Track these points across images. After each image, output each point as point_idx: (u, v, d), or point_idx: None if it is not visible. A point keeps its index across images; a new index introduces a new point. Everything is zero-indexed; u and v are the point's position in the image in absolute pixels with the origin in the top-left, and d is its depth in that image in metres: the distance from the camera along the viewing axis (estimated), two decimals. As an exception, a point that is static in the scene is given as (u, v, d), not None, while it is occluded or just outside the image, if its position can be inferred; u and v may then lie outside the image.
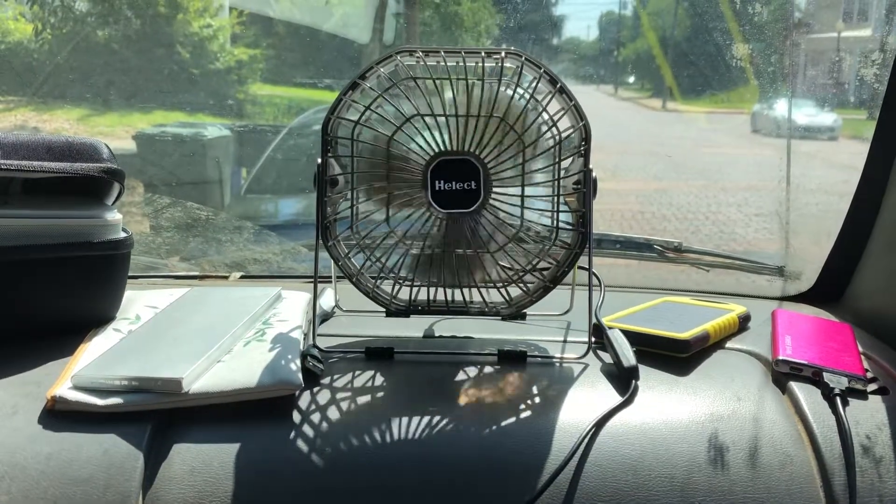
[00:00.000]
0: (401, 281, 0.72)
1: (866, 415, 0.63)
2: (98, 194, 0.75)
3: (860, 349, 0.72)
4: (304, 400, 0.64)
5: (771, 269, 0.96)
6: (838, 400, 0.63)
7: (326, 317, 0.80)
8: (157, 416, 0.61)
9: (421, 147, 0.67)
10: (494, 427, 0.61)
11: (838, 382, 0.64)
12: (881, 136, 0.83)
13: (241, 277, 1.03)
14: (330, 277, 0.78)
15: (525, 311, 0.73)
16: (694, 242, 0.99)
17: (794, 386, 0.66)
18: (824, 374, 0.66)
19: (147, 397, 0.61)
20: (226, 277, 1.03)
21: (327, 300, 0.81)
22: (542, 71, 0.68)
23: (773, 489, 0.57)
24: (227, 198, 2.12)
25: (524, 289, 0.72)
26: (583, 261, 0.71)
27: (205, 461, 0.58)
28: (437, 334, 0.77)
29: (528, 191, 0.68)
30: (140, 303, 0.79)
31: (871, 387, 0.67)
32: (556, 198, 0.69)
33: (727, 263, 0.96)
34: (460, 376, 0.68)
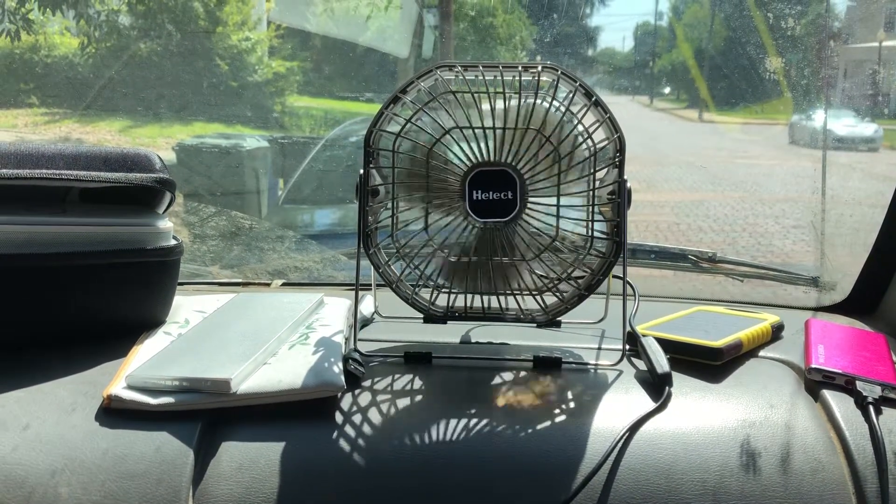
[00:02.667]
0: (439, 288, 0.74)
1: None
2: (150, 203, 0.79)
3: (894, 359, 0.73)
4: (346, 401, 0.66)
5: (805, 280, 0.96)
6: (871, 408, 0.63)
7: (366, 322, 0.83)
8: (206, 415, 0.64)
9: (459, 158, 0.69)
10: (530, 430, 0.63)
11: (871, 391, 0.65)
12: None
13: (283, 285, 1.06)
14: (369, 285, 0.81)
15: (560, 318, 0.75)
16: (730, 254, 0.99)
17: (827, 394, 0.67)
18: (857, 382, 0.66)
19: (197, 397, 0.64)
20: (268, 284, 1.06)
21: (367, 306, 0.84)
22: (577, 84, 0.70)
23: (805, 495, 0.58)
24: (265, 208, 2.16)
25: (559, 296, 0.73)
26: (617, 270, 0.73)
27: (252, 459, 0.61)
28: (473, 340, 0.79)
29: (564, 201, 0.70)
30: (189, 307, 0.83)
31: (905, 396, 0.67)
32: (590, 207, 0.71)
33: (761, 274, 0.97)
34: (496, 381, 0.70)
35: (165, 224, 0.77)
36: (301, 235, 1.28)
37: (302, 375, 0.66)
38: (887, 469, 0.59)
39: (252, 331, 0.74)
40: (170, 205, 0.80)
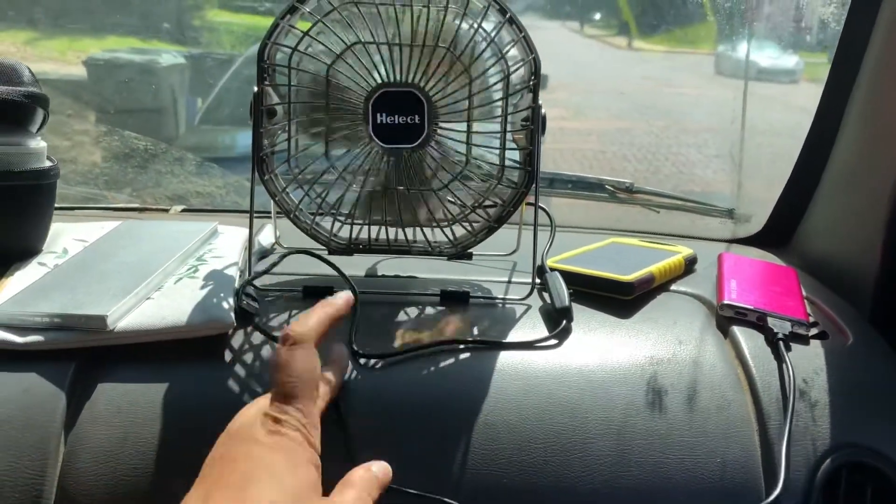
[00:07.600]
0: (341, 219, 0.69)
1: (805, 360, 0.63)
2: (20, 121, 0.70)
3: (804, 293, 0.72)
4: (236, 339, 0.62)
5: (721, 212, 0.95)
6: (781, 345, 0.62)
7: (265, 254, 0.77)
8: (81, 355, 0.58)
9: (363, 77, 0.63)
10: (433, 368, 0.60)
11: (782, 327, 0.64)
12: (835, 78, 0.82)
13: (183, 211, 1.00)
14: (269, 212, 0.75)
15: (471, 251, 0.71)
16: (653, 183, 0.97)
17: (737, 330, 0.65)
18: (768, 318, 0.65)
19: (70, 335, 0.58)
20: (166, 210, 1.00)
21: (267, 237, 0.78)
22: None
23: (710, 433, 0.57)
24: (182, 128, 2.05)
25: (468, 228, 0.70)
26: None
27: (131, 401, 0.56)
28: (379, 273, 0.75)
29: (475, 126, 0.65)
30: (68, 236, 0.76)
31: (812, 331, 0.66)
32: (503, 134, 0.66)
33: (677, 205, 0.95)
34: (401, 316, 0.67)
35: (38, 144, 0.70)
36: (203, 158, 1.20)
37: (188, 311, 0.61)
38: (791, 406, 0.58)
39: (135, 262, 0.68)
40: (44, 123, 0.72)
